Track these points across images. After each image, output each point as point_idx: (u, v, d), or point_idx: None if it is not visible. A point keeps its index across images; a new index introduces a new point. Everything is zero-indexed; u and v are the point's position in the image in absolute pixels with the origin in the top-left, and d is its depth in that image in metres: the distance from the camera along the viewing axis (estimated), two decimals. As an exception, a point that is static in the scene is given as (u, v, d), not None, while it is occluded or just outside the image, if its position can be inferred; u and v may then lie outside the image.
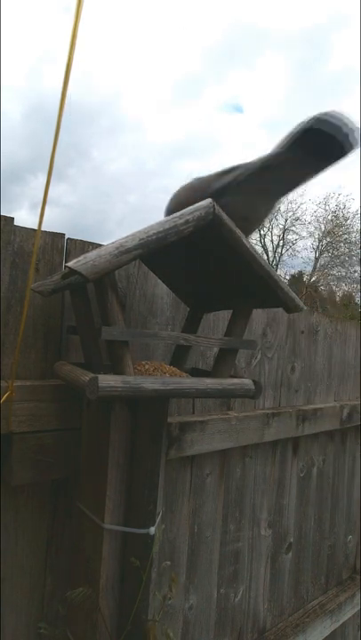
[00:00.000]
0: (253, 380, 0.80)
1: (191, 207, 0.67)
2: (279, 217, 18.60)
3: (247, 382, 0.79)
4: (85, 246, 0.89)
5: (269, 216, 0.79)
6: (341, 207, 17.79)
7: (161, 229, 0.64)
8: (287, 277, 18.52)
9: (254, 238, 18.43)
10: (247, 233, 0.77)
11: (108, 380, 0.63)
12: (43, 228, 0.82)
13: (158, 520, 0.79)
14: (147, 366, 0.77)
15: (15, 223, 0.79)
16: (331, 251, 18.28)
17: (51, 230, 0.84)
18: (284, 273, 18.56)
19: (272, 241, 19.02)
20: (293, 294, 0.80)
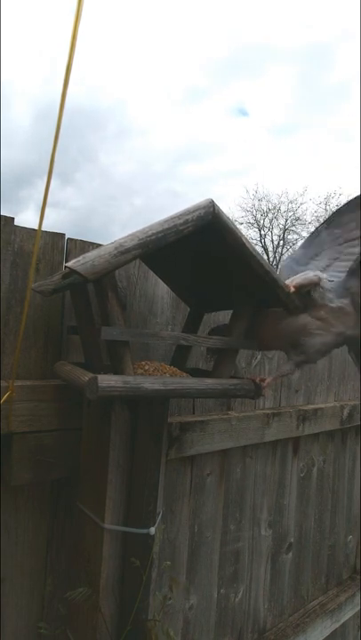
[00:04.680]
0: (253, 381, 0.80)
1: (191, 207, 0.67)
2: (280, 217, 18.61)
3: (247, 382, 0.79)
4: (85, 246, 0.89)
5: None
6: (342, 207, 17.73)
7: (160, 229, 0.64)
8: (287, 277, 18.49)
9: (255, 238, 18.45)
10: None
11: (107, 380, 0.63)
12: (48, 230, 0.83)
13: (158, 520, 0.79)
14: (147, 367, 0.77)
15: (20, 224, 0.79)
16: (331, 251, 18.24)
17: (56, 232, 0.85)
18: (284, 273, 18.54)
19: (272, 241, 19.03)
20: (293, 294, 0.80)
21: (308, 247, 1.02)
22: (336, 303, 0.83)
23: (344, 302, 0.83)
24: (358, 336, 0.85)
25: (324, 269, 0.95)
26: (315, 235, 1.02)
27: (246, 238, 0.73)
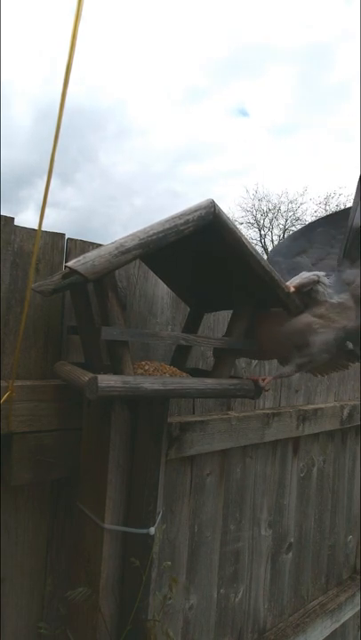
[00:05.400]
0: (253, 381, 0.80)
1: (192, 207, 0.67)
2: (280, 217, 18.63)
3: (247, 382, 0.79)
4: (85, 246, 0.89)
5: None
6: (342, 207, 17.75)
7: (161, 229, 0.64)
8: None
9: (255, 238, 18.46)
10: None
11: (107, 380, 0.63)
12: (48, 230, 0.82)
13: (158, 520, 0.79)
14: (147, 367, 0.77)
15: (20, 224, 0.79)
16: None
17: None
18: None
19: (272, 241, 19.04)
20: (293, 294, 0.80)
21: (297, 240, 0.98)
22: (336, 299, 0.83)
23: (344, 297, 0.83)
24: (359, 327, 0.85)
25: (310, 268, 0.93)
26: (308, 229, 0.98)
27: (246, 238, 0.73)
